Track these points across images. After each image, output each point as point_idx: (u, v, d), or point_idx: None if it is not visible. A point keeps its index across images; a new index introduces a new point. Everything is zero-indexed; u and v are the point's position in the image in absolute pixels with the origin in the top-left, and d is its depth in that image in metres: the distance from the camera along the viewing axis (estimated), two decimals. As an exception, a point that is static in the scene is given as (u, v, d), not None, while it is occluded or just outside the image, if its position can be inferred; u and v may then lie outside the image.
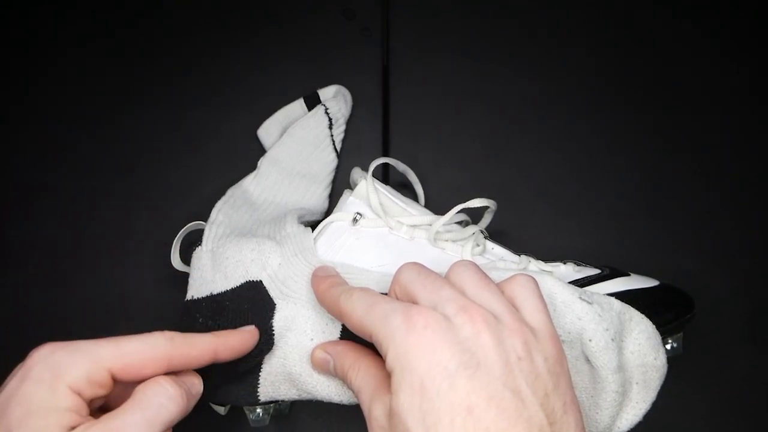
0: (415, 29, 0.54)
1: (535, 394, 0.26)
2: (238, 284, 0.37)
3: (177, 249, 0.40)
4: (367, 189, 0.39)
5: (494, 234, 0.44)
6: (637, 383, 0.33)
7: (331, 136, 0.47)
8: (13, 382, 0.27)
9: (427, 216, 0.39)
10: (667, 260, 0.45)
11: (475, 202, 0.38)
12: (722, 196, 0.48)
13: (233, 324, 0.36)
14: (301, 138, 0.46)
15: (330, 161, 0.47)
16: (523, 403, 0.26)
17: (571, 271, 0.38)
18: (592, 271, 0.38)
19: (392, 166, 0.45)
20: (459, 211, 0.38)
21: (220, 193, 0.45)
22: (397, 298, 0.30)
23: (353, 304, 0.30)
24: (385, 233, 0.39)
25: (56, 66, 0.52)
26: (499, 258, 0.39)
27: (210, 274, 0.38)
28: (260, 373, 0.36)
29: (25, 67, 0.52)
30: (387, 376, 0.28)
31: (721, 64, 0.53)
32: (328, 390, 0.35)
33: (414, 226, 0.39)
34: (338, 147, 0.47)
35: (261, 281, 0.37)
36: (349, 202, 0.40)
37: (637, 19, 0.54)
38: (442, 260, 0.38)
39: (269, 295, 0.37)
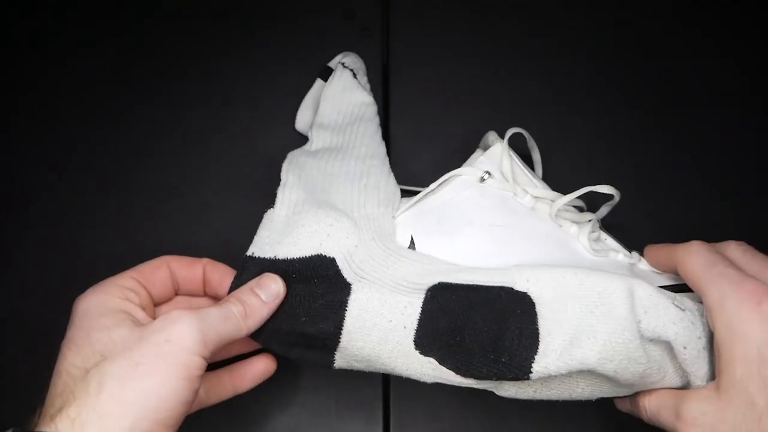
0: (415, 29, 0.54)
1: None
2: (308, 255, 0.36)
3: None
4: (501, 152, 0.40)
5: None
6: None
7: (359, 83, 0.47)
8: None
9: (551, 191, 0.40)
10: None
11: (604, 188, 0.39)
12: (723, 196, 0.48)
13: (299, 298, 0.36)
14: (333, 95, 0.47)
15: (369, 102, 0.47)
16: None
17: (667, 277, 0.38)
18: None
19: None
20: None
21: (221, 193, 0.45)
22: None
23: (692, 256, 0.33)
24: (509, 197, 0.40)
25: (56, 66, 0.52)
26: (611, 248, 0.39)
27: (278, 236, 0.38)
28: (336, 352, 0.35)
29: (25, 67, 0.52)
30: (679, 392, 0.32)
31: (722, 64, 0.53)
32: (407, 370, 0.35)
33: (537, 197, 0.40)
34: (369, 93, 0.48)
35: (334, 259, 0.36)
36: (480, 161, 0.41)
37: (637, 19, 0.55)
38: (556, 236, 0.39)
39: (342, 275, 0.36)
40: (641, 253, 0.39)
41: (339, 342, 0.35)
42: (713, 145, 0.50)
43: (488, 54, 0.53)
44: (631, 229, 0.46)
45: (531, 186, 0.40)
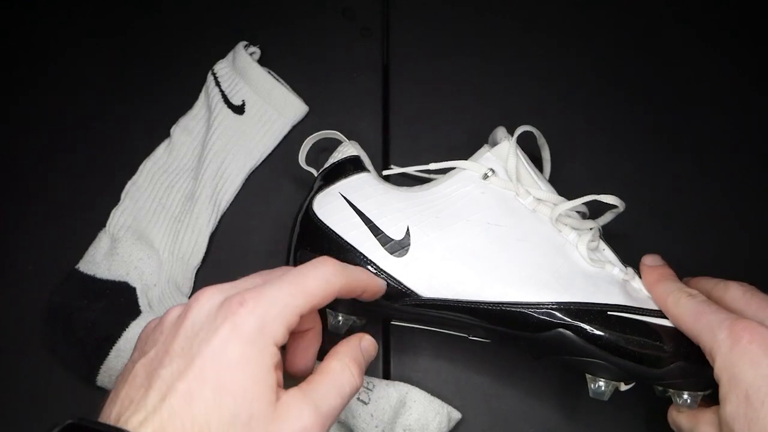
0: (415, 29, 0.54)
1: None
2: (117, 280, 0.43)
3: (305, 150, 0.44)
4: (508, 151, 0.40)
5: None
6: None
7: (221, 92, 0.48)
8: (223, 334, 0.27)
9: (554, 195, 0.40)
10: (670, 261, 0.45)
11: (609, 198, 0.39)
12: (726, 197, 0.48)
13: (109, 308, 0.42)
14: (199, 104, 0.49)
15: (226, 114, 0.48)
16: None
17: None
18: None
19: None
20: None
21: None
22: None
23: (680, 309, 0.34)
24: (511, 197, 0.40)
25: (56, 66, 0.52)
26: (608, 261, 0.39)
27: (100, 258, 0.44)
28: (102, 364, 0.41)
29: (24, 67, 0.52)
30: (701, 414, 0.34)
31: (721, 65, 0.53)
32: None
33: (539, 200, 0.40)
34: (236, 101, 0.48)
35: (135, 289, 0.43)
36: (485, 158, 0.40)
37: (637, 19, 0.54)
38: (555, 241, 0.39)
39: (138, 304, 0.42)
40: (637, 269, 0.39)
41: (108, 355, 0.41)
42: (714, 146, 0.50)
43: (488, 54, 0.53)
44: (635, 236, 0.46)
45: (534, 187, 0.40)
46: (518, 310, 0.37)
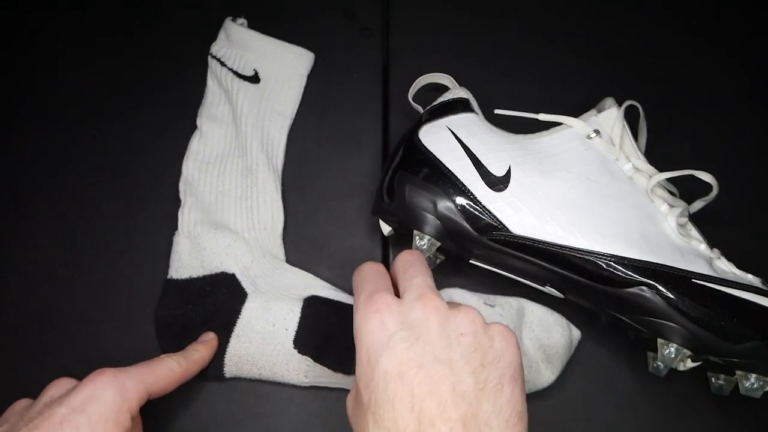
0: (415, 29, 0.54)
1: (469, 363, 0.30)
2: (214, 273, 0.43)
3: (415, 89, 0.47)
4: (615, 118, 0.42)
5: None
6: (542, 362, 0.40)
7: (230, 70, 0.49)
8: (83, 396, 0.32)
9: (650, 167, 0.41)
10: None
11: (705, 176, 0.40)
12: (728, 198, 0.48)
13: (214, 302, 0.42)
14: (213, 90, 0.50)
15: (245, 88, 0.49)
16: (451, 370, 0.29)
17: (758, 283, 0.39)
18: None
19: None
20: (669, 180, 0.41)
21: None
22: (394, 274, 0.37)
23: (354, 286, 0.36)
24: (611, 160, 0.41)
25: (56, 66, 0.52)
26: (695, 238, 0.40)
27: (188, 259, 0.43)
28: (225, 354, 0.41)
29: (25, 68, 0.52)
30: None
31: (720, 64, 0.53)
32: (286, 370, 0.40)
33: (637, 169, 0.41)
34: (248, 72, 0.49)
35: (234, 274, 0.43)
36: (592, 120, 0.42)
37: (637, 20, 0.55)
38: (647, 209, 0.40)
39: (242, 287, 0.42)
40: (722, 252, 0.40)
41: (228, 344, 0.41)
42: (714, 146, 0.50)
43: (488, 54, 0.53)
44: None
45: (634, 156, 0.41)
46: (603, 261, 0.37)
